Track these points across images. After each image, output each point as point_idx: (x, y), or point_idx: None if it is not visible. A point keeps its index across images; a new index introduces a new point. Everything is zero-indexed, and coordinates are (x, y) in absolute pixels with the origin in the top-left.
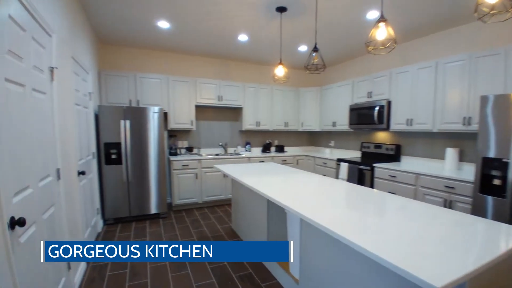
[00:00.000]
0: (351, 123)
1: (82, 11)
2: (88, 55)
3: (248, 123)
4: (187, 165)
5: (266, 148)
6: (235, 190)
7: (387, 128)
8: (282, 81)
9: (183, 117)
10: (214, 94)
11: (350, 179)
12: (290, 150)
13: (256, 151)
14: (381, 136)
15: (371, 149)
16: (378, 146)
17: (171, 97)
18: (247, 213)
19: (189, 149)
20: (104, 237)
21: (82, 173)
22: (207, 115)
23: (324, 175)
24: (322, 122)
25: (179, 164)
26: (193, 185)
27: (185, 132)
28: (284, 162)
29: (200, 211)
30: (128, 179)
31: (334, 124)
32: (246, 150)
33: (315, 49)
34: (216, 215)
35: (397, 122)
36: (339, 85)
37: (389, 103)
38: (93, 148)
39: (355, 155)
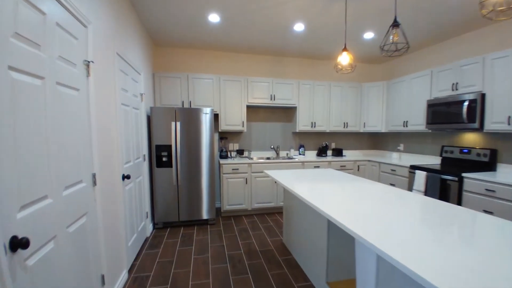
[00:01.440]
0: (429, 123)
1: (132, 9)
2: (140, 56)
3: (302, 124)
4: (237, 169)
5: (321, 152)
6: (287, 199)
7: (480, 128)
8: (347, 71)
9: (234, 118)
10: (267, 93)
11: (428, 192)
12: (349, 154)
13: (311, 155)
14: (470, 138)
15: (455, 154)
16: (466, 150)
17: (222, 97)
18: (301, 228)
19: (240, 152)
20: (151, 244)
21: (127, 177)
22: (259, 116)
23: (392, 185)
24: (389, 122)
25: (229, 167)
26: (243, 191)
27: (235, 134)
28: (342, 168)
29: (249, 218)
30: (178, 183)
31: (405, 124)
32: (300, 154)
33: (395, 24)
34: (266, 224)
35: (494, 120)
36: (413, 77)
37: (482, 96)
38: (145, 150)
39: (433, 161)
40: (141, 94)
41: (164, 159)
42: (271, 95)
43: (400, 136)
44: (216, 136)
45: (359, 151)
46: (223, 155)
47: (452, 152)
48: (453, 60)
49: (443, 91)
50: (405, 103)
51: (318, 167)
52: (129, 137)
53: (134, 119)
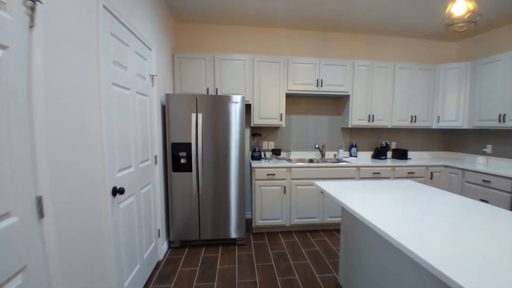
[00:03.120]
0: None
1: None
2: (154, 27)
3: (357, 117)
4: (273, 174)
5: (379, 153)
6: (346, 217)
7: None
8: (464, 26)
9: (271, 110)
10: (312, 77)
11: None
12: (414, 157)
13: (365, 156)
14: None
15: None
16: None
17: (256, 83)
18: (375, 266)
19: (276, 152)
20: (162, 273)
21: (119, 191)
22: (300, 107)
23: (483, 201)
24: (474, 116)
25: (263, 172)
26: (280, 202)
27: (271, 130)
28: (410, 176)
29: (287, 238)
30: (199, 191)
31: (501, 118)
32: (351, 155)
33: None
34: (310, 249)
35: None
36: None
37: None
38: (156, 150)
39: None
40: (152, 76)
41: (182, 161)
42: (317, 79)
43: (488, 134)
44: (248, 132)
45: (428, 153)
46: (256, 156)
47: None
48: None
49: None
50: (502, 90)
51: (378, 173)
52: (129, 133)
53: (139, 108)
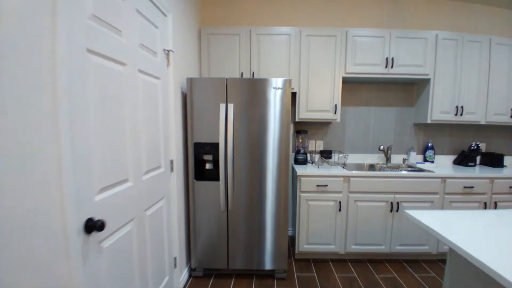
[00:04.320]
0: None
1: None
2: None
3: (439, 109)
4: (325, 185)
5: (466, 158)
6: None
7: None
8: None
9: (321, 99)
10: (379, 55)
11: None
12: (510, 163)
13: (444, 162)
14: None
15: None
16: None
17: (304, 65)
18: None
19: (326, 155)
20: None
21: (97, 226)
22: (360, 96)
23: None
24: None
25: (311, 182)
26: (333, 222)
27: (320, 127)
28: None
29: (342, 270)
30: (227, 206)
31: None
32: (427, 160)
33: None
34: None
35: None
36: None
37: None
38: (173, 153)
39: None
40: (167, 52)
41: (207, 166)
42: (386, 58)
43: None
44: (292, 128)
45: None
46: (300, 159)
47: None
48: None
49: None
50: None
51: (471, 187)
52: (124, 131)
53: (144, 94)
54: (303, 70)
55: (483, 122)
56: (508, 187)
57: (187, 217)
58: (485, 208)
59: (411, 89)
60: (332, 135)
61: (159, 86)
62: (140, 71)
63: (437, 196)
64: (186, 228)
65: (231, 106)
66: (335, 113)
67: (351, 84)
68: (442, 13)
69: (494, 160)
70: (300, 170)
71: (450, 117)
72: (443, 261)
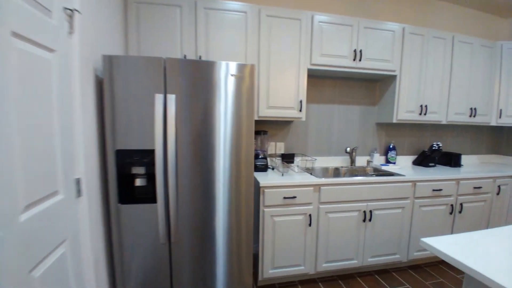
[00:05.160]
0: None
1: None
2: None
3: (405, 108)
4: (294, 197)
5: (426, 159)
6: None
7: None
8: None
9: (285, 95)
10: (346, 46)
11: None
12: (464, 162)
13: (405, 163)
14: None
15: None
16: None
17: (263, 52)
18: None
19: (287, 159)
20: None
21: None
22: (323, 92)
23: None
24: None
25: (277, 195)
26: (302, 239)
27: (281, 126)
28: (476, 192)
29: None
30: (170, 237)
31: None
32: (389, 161)
33: None
34: None
35: None
36: None
37: None
38: (80, 168)
39: None
40: (69, 12)
41: (138, 182)
42: (354, 50)
43: None
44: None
45: (476, 157)
46: (260, 165)
47: None
48: None
49: None
50: None
51: (439, 190)
52: None
53: (18, 73)
54: (263, 58)
55: (444, 122)
56: (472, 187)
57: (110, 259)
58: (452, 210)
59: (374, 87)
60: (294, 136)
61: (53, 62)
62: (15, 34)
63: (408, 201)
64: (109, 275)
65: (171, 98)
66: (300, 110)
67: (313, 79)
68: (408, 6)
69: (452, 160)
70: (262, 179)
71: (414, 117)
72: (412, 268)
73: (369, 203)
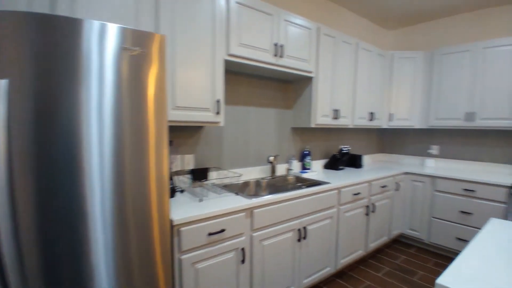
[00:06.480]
0: None
1: None
2: None
3: (322, 112)
4: (222, 230)
5: (337, 162)
6: None
7: None
8: None
9: (197, 92)
10: (267, 38)
11: None
12: (365, 162)
13: (318, 167)
14: None
15: None
16: None
17: (164, 27)
18: None
19: (200, 175)
20: None
21: None
22: (238, 91)
23: (466, 213)
24: (430, 114)
25: (199, 232)
26: (234, 281)
27: (190, 133)
28: (383, 190)
29: None
30: None
31: (469, 117)
32: (305, 167)
33: None
34: None
35: None
36: (491, 46)
37: None
38: None
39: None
40: None
41: None
42: (275, 44)
43: (433, 134)
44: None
45: (369, 156)
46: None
47: None
48: None
49: None
50: (470, 86)
51: (358, 194)
52: None
53: None
54: (165, 31)
55: (351, 126)
56: (380, 187)
57: None
58: (367, 211)
59: (288, 88)
60: (206, 146)
61: None
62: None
63: (335, 209)
64: None
65: (4, 84)
66: (218, 113)
67: (228, 74)
68: (323, 5)
69: (356, 161)
70: (174, 212)
71: (329, 121)
72: (340, 276)
73: (302, 219)
